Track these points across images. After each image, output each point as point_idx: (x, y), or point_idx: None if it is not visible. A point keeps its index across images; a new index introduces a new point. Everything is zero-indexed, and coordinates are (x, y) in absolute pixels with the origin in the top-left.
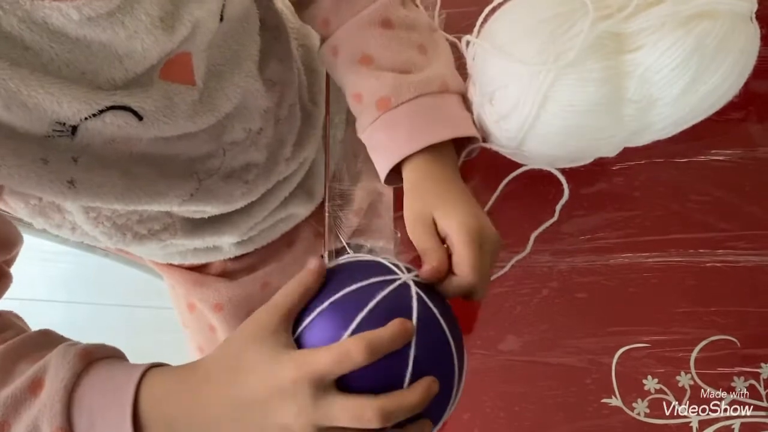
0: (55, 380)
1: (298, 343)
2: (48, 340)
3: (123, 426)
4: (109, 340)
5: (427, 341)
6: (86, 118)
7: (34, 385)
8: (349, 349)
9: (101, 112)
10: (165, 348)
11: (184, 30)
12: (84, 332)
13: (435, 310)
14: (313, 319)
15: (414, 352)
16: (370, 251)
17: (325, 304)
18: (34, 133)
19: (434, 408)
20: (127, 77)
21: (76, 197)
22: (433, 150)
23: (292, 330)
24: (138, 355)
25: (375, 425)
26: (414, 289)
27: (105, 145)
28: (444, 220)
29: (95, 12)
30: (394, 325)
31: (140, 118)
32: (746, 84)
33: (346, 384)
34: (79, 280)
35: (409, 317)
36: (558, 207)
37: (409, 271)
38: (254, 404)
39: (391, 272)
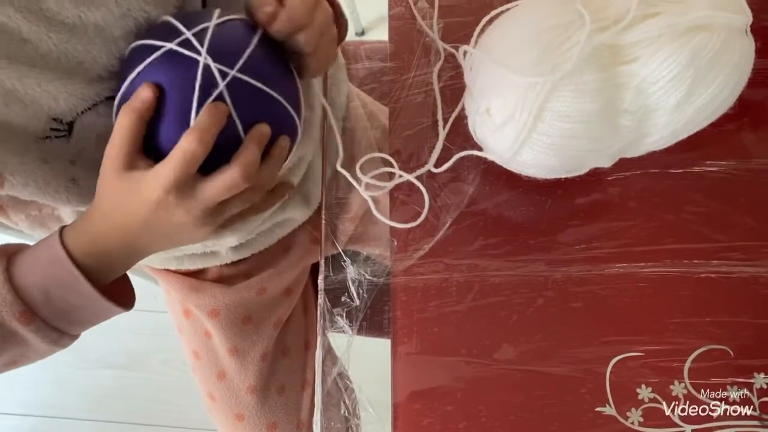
0: None
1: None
2: None
3: (74, 276)
4: (106, 342)
5: (244, 104)
6: (82, 112)
7: None
8: (186, 149)
9: (95, 105)
10: (162, 353)
11: (171, 8)
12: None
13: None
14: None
15: (237, 117)
16: (366, 259)
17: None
18: (32, 132)
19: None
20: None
21: (79, 197)
22: None
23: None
24: (137, 358)
25: (245, 184)
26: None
27: (100, 145)
28: None
29: None
30: (208, 112)
31: None
32: (741, 96)
33: (204, 170)
34: None
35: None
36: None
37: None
38: (150, 221)
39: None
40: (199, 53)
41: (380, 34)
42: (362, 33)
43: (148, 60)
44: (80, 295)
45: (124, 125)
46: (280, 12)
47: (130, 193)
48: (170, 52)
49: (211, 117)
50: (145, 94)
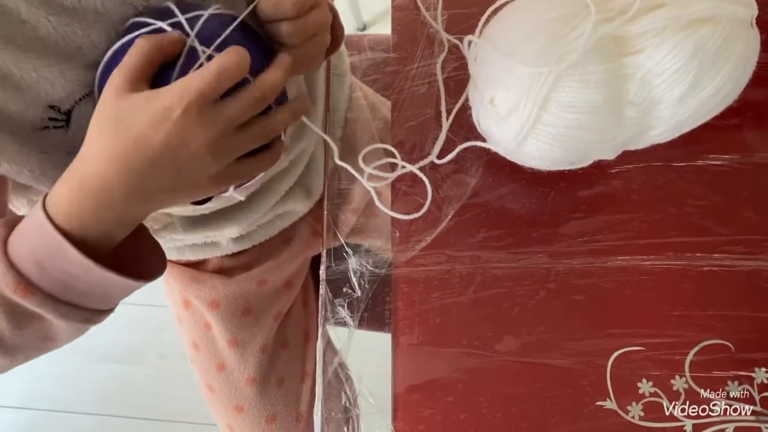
0: None
1: None
2: None
3: (56, 240)
4: (105, 335)
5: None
6: (80, 99)
7: None
8: (225, 64)
9: (92, 91)
10: (159, 347)
11: None
12: None
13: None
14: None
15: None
16: (368, 251)
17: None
18: (29, 121)
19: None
20: None
21: None
22: None
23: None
24: (134, 352)
25: (268, 98)
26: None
27: None
28: None
29: None
30: (235, 52)
31: None
32: (745, 89)
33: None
34: None
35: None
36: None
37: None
38: (162, 146)
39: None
40: (187, 36)
41: (381, 29)
42: (363, 28)
43: (136, 32)
44: (70, 261)
45: (139, 46)
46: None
47: (139, 113)
48: (159, 31)
49: (238, 52)
50: (174, 35)
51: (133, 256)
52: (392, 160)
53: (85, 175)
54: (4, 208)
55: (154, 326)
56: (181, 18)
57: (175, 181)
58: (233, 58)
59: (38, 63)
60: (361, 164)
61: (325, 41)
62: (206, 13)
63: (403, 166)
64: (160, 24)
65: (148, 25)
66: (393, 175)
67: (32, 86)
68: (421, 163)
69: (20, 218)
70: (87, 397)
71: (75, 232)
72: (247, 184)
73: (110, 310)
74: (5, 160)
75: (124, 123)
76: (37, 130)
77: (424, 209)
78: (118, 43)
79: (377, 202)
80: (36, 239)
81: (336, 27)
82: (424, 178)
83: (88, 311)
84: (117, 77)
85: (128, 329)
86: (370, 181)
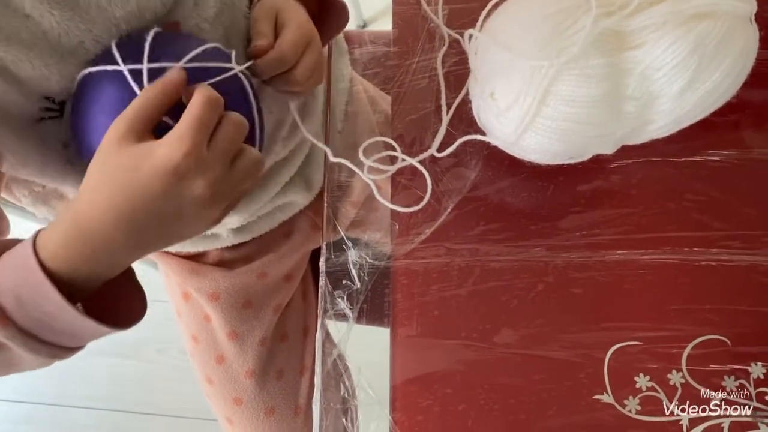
0: None
1: None
2: None
3: (40, 280)
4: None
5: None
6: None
7: None
8: (201, 114)
9: None
10: (158, 342)
11: None
12: None
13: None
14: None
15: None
16: (367, 244)
17: None
18: (28, 113)
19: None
20: None
21: (76, 180)
22: None
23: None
24: (132, 347)
25: (244, 124)
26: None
27: None
28: (285, 13)
29: None
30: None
31: None
32: (744, 85)
33: None
34: None
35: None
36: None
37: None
38: (163, 197)
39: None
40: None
41: (382, 27)
42: (364, 26)
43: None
44: (49, 302)
45: (148, 94)
46: (270, 52)
47: (137, 165)
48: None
49: (210, 96)
50: (175, 75)
51: (113, 297)
52: (392, 153)
53: (85, 219)
54: None
55: (153, 321)
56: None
57: (176, 227)
58: (203, 106)
59: (40, 58)
60: (361, 157)
61: (322, 74)
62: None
63: (403, 159)
64: (122, 68)
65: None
66: (393, 168)
67: (32, 79)
68: (421, 156)
69: (12, 242)
70: (84, 391)
71: (62, 273)
72: None
73: (79, 348)
74: (9, 151)
75: (127, 174)
76: (34, 122)
77: (424, 201)
78: (95, 69)
79: (377, 195)
80: (20, 273)
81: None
82: (424, 171)
83: (58, 348)
84: (122, 126)
85: None
86: (370, 174)
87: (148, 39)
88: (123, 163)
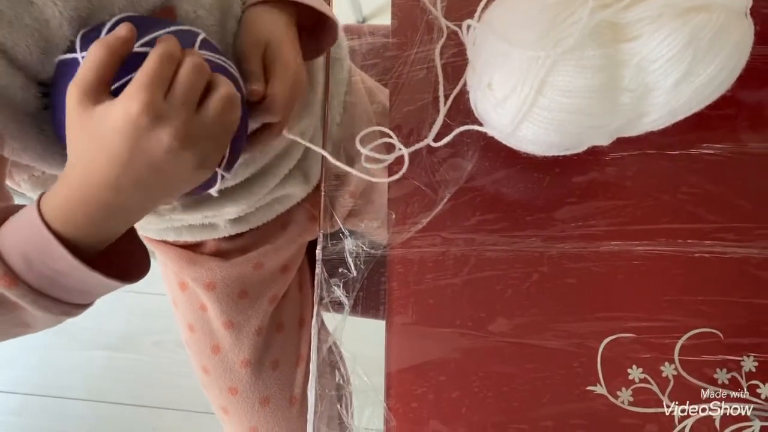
0: None
1: None
2: None
3: (46, 238)
4: (99, 321)
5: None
6: None
7: None
8: (153, 68)
9: None
10: (154, 335)
11: None
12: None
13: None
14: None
15: None
16: (363, 234)
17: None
18: (29, 98)
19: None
20: None
21: None
22: (287, 5)
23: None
24: (128, 339)
25: (203, 63)
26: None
27: None
28: (274, 49)
29: None
30: (161, 45)
31: None
32: (739, 80)
33: None
34: None
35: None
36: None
37: None
38: (129, 156)
39: None
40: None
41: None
42: (363, 21)
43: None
44: (57, 259)
45: (92, 56)
46: (264, 101)
47: (99, 128)
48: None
49: (169, 44)
50: (121, 31)
51: (119, 254)
52: (388, 140)
53: (76, 186)
54: (3, 190)
55: (149, 313)
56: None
57: (160, 181)
58: (156, 63)
59: (37, 45)
60: (358, 146)
61: (302, 90)
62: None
63: (399, 149)
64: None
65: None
66: (390, 157)
67: (29, 65)
68: (417, 146)
69: (15, 207)
70: (79, 383)
71: (66, 234)
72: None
73: (89, 305)
74: (10, 136)
75: (94, 139)
76: (33, 108)
77: (400, 174)
78: (62, 57)
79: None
80: (27, 235)
81: (329, 24)
82: (404, 149)
83: (68, 305)
84: (75, 92)
85: (122, 316)
86: (367, 163)
87: (108, 25)
88: (86, 128)
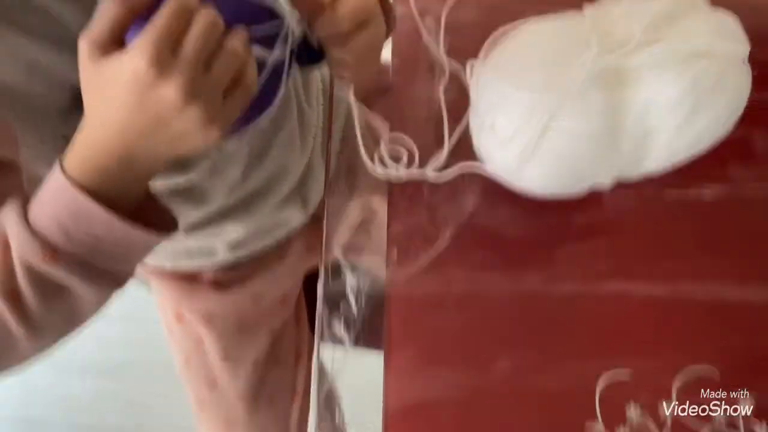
0: (12, 226)
1: None
2: None
3: (77, 199)
4: (86, 349)
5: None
6: None
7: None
8: (162, 23)
9: None
10: (143, 362)
11: None
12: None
13: None
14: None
15: None
16: (363, 269)
17: None
18: (54, 103)
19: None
20: None
21: None
22: None
23: None
24: (117, 366)
25: (218, 22)
26: None
27: None
28: None
29: None
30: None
31: None
32: (737, 124)
33: None
34: None
35: None
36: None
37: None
38: (136, 108)
39: None
40: None
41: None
42: None
43: None
44: (95, 220)
45: (105, 9)
46: (325, 12)
47: (109, 80)
48: None
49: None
50: None
51: (148, 214)
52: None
53: (92, 139)
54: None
55: (139, 340)
56: None
57: (170, 135)
58: (171, 10)
59: (61, 50)
60: (364, 158)
61: (380, 28)
62: None
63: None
64: None
65: None
66: (402, 172)
67: (58, 71)
68: (424, 173)
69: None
70: (62, 409)
71: (100, 192)
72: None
73: (131, 275)
74: (25, 145)
75: (104, 92)
76: (61, 112)
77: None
78: None
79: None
80: (59, 204)
81: (388, 10)
82: (403, 171)
83: (114, 274)
84: (84, 45)
85: (113, 342)
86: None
87: None
88: (97, 80)
